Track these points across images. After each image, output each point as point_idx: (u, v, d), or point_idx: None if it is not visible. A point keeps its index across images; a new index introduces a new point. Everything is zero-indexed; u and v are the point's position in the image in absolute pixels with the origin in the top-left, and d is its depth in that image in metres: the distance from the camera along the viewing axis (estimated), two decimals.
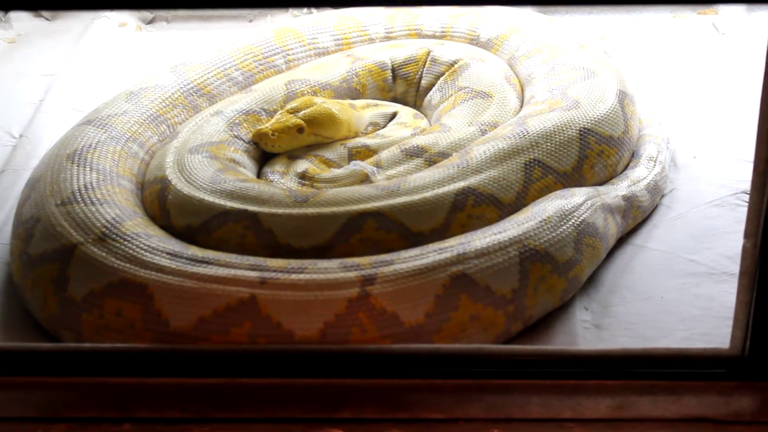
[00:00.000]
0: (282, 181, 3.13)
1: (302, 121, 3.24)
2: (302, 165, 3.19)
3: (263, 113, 3.37)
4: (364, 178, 3.10)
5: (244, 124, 3.30)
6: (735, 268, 2.48)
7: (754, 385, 2.44)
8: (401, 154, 3.18)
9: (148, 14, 4.56)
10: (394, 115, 3.49)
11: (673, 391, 2.45)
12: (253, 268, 2.62)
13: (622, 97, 3.28)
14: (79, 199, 2.86)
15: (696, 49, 4.18)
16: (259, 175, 3.22)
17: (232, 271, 2.60)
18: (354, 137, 3.36)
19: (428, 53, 3.63)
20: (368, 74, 3.60)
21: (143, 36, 4.51)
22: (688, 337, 2.70)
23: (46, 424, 2.51)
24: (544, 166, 3.01)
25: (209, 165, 3.03)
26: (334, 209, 2.82)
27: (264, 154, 3.28)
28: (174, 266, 2.63)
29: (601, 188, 3.05)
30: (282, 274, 2.59)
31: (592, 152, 3.10)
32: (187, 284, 2.59)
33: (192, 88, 3.46)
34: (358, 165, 3.16)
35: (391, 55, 3.64)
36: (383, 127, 3.45)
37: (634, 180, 3.15)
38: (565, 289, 2.79)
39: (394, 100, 3.63)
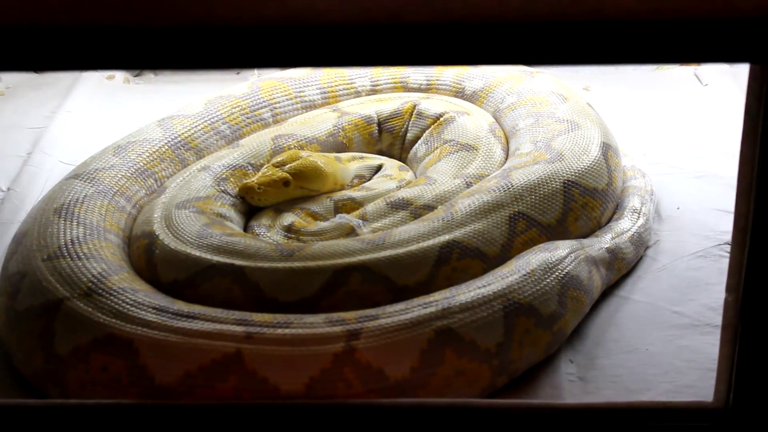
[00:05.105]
0: (268, 234, 3.14)
1: (288, 175, 3.26)
2: (288, 218, 3.20)
3: (250, 168, 3.38)
4: (350, 231, 3.11)
5: (231, 179, 3.31)
6: (719, 319, 2.47)
7: None
8: (387, 207, 3.20)
9: None
10: (379, 168, 3.51)
11: None
12: (238, 322, 2.62)
13: (606, 149, 3.31)
14: (66, 254, 2.86)
15: (679, 100, 4.22)
16: (245, 228, 3.23)
17: (218, 326, 2.61)
18: (340, 190, 3.38)
19: (414, 107, 3.66)
20: (354, 128, 3.63)
21: (131, 88, 4.54)
22: (672, 390, 2.71)
23: None
24: (528, 218, 3.02)
25: (196, 220, 3.04)
26: (320, 263, 2.83)
27: (251, 208, 3.29)
28: (160, 321, 2.63)
29: (585, 241, 3.07)
30: (268, 329, 2.60)
31: (576, 204, 3.12)
32: (173, 339, 2.59)
33: (179, 141, 3.47)
34: (343, 218, 3.17)
35: (377, 109, 3.68)
36: (369, 180, 3.47)
37: (618, 232, 3.16)
38: (550, 342, 2.80)
39: (380, 152, 3.65)
